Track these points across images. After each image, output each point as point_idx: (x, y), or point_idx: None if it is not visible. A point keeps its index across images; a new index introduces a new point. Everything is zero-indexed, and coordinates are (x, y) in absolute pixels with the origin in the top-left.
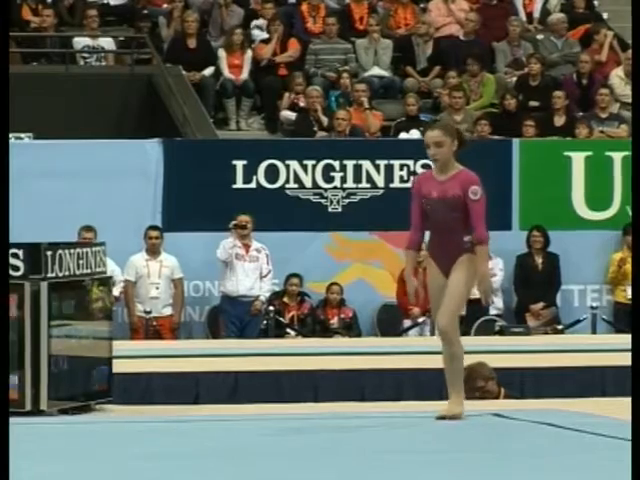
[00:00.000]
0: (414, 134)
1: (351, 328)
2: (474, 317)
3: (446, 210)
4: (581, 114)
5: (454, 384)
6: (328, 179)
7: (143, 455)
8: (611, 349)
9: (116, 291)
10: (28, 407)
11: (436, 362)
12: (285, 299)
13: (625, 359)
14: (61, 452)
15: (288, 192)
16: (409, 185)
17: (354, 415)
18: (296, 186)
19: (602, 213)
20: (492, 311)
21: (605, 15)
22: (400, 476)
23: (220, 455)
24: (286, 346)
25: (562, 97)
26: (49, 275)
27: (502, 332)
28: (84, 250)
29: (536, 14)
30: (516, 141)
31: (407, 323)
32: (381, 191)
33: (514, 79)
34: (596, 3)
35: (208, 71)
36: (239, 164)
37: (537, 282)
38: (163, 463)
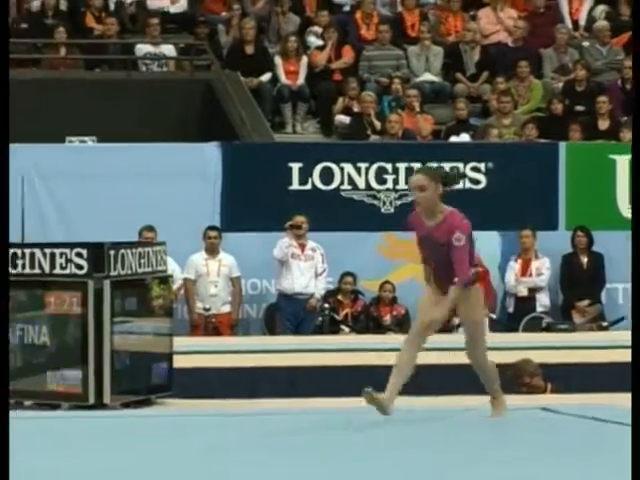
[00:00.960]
0: (464, 137)
1: (403, 325)
2: (522, 314)
3: (439, 251)
4: (625, 118)
5: (495, 386)
6: (381, 181)
7: (202, 447)
8: None
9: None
10: (91, 401)
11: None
12: (339, 297)
13: None
14: (123, 444)
15: (342, 194)
16: (459, 186)
17: (409, 409)
18: (350, 188)
19: None
20: (539, 308)
21: None
22: (451, 470)
23: (278, 448)
24: (340, 342)
25: (606, 102)
26: (112, 273)
27: (549, 329)
28: (145, 249)
29: (582, 22)
30: (563, 144)
31: (458, 320)
32: None
33: (560, 84)
34: None
35: (265, 77)
36: (295, 166)
37: (582, 280)
38: (222, 455)
